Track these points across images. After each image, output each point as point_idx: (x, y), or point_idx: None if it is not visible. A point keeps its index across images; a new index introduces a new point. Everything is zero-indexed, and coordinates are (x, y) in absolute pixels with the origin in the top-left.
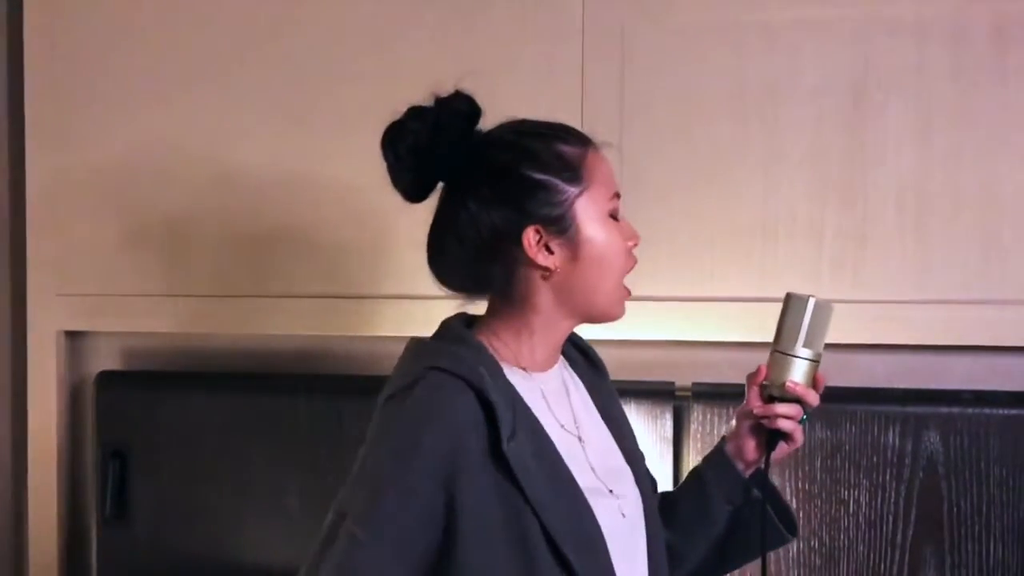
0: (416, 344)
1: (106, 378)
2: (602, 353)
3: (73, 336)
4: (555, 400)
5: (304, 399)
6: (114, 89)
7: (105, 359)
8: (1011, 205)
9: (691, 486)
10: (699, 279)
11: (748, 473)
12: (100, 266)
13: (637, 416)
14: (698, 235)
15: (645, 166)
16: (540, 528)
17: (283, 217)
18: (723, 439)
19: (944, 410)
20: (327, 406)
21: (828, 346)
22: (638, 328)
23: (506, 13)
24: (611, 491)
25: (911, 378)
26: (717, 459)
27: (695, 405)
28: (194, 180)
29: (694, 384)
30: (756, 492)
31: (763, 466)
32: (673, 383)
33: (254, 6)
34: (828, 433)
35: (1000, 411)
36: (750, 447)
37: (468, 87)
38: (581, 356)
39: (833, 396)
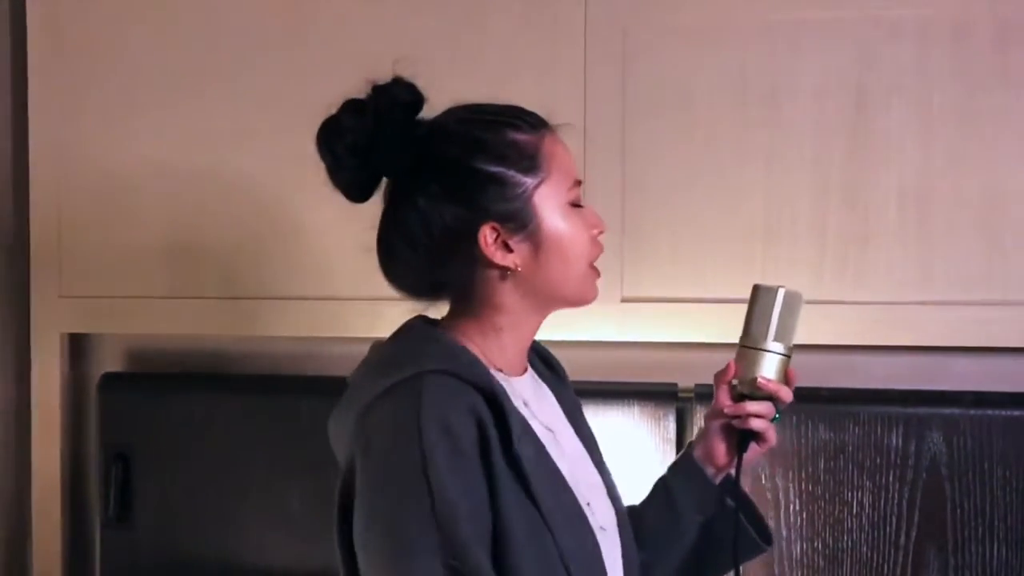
0: (387, 349)
1: (109, 380)
2: (604, 354)
3: (76, 338)
4: (535, 406)
5: (307, 401)
6: (118, 91)
7: (108, 361)
8: (1013, 206)
9: (658, 497)
10: (701, 280)
11: (719, 479)
12: (103, 268)
13: (640, 418)
14: (700, 236)
15: (647, 167)
16: (555, 546)
17: (286, 219)
18: (690, 444)
19: (947, 411)
20: (330, 408)
21: (829, 347)
22: (640, 330)
23: (508, 14)
24: (588, 504)
25: (913, 379)
26: (685, 466)
27: (698, 407)
28: (197, 182)
29: (696, 386)
30: (728, 500)
31: (735, 470)
32: (676, 384)
33: (260, 9)
34: (831, 434)
35: (1003, 412)
36: (720, 451)
37: (472, 89)
38: (544, 366)
39: (836, 397)
